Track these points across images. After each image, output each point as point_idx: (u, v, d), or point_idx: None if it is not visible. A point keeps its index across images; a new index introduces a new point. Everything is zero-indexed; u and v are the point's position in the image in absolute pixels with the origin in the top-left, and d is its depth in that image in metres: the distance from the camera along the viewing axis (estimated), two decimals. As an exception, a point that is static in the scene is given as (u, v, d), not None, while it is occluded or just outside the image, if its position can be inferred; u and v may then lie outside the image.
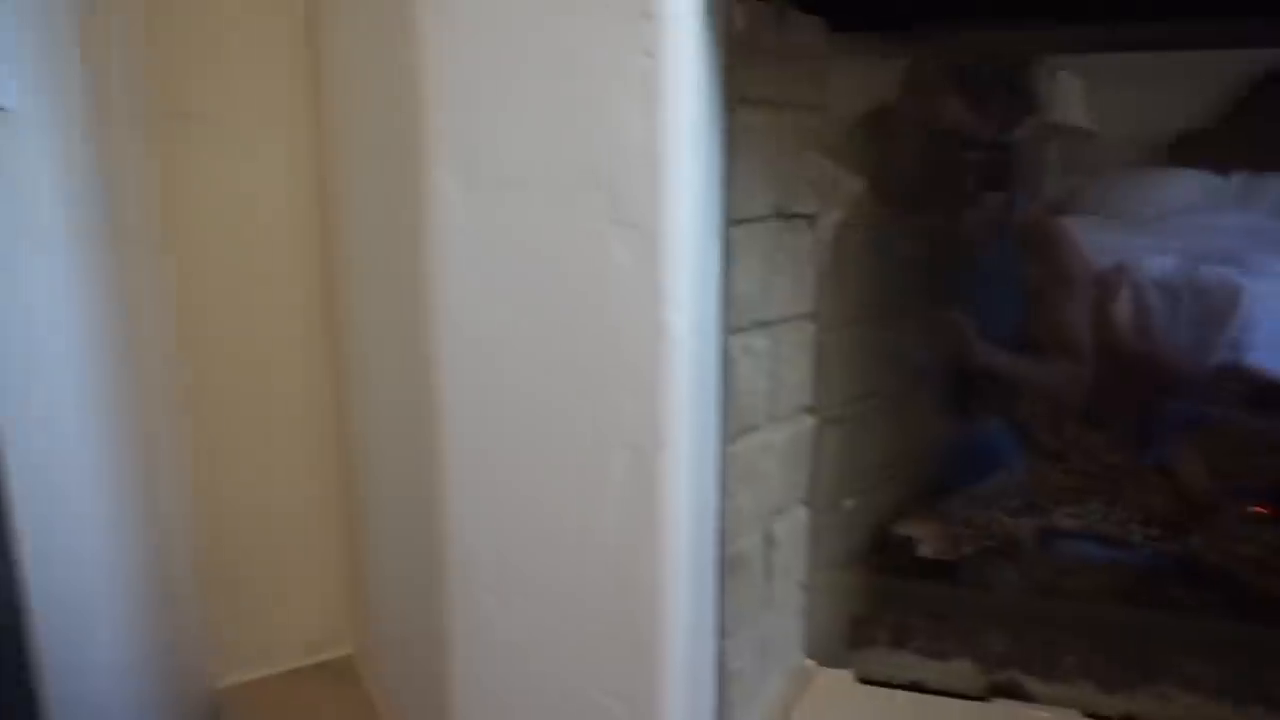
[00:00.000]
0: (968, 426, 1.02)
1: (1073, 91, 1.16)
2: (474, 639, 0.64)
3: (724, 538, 0.68)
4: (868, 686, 0.81)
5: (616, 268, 0.53)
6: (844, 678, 0.82)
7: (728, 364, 0.65)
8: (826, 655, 0.84)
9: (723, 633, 0.70)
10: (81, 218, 0.85)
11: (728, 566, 0.69)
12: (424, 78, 0.56)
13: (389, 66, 0.63)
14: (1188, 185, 1.44)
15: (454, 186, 0.56)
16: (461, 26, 0.54)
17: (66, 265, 0.85)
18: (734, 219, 0.62)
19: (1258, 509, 0.92)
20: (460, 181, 0.56)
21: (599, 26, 0.51)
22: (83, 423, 0.89)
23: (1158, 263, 1.17)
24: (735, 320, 0.65)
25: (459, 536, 0.63)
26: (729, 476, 0.67)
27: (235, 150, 0.91)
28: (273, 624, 1.03)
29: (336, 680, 1.03)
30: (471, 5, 0.54)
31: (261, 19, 0.89)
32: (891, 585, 0.90)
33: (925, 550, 0.90)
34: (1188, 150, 1.41)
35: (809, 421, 0.78)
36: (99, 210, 0.86)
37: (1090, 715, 0.75)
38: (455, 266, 0.58)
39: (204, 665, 1.00)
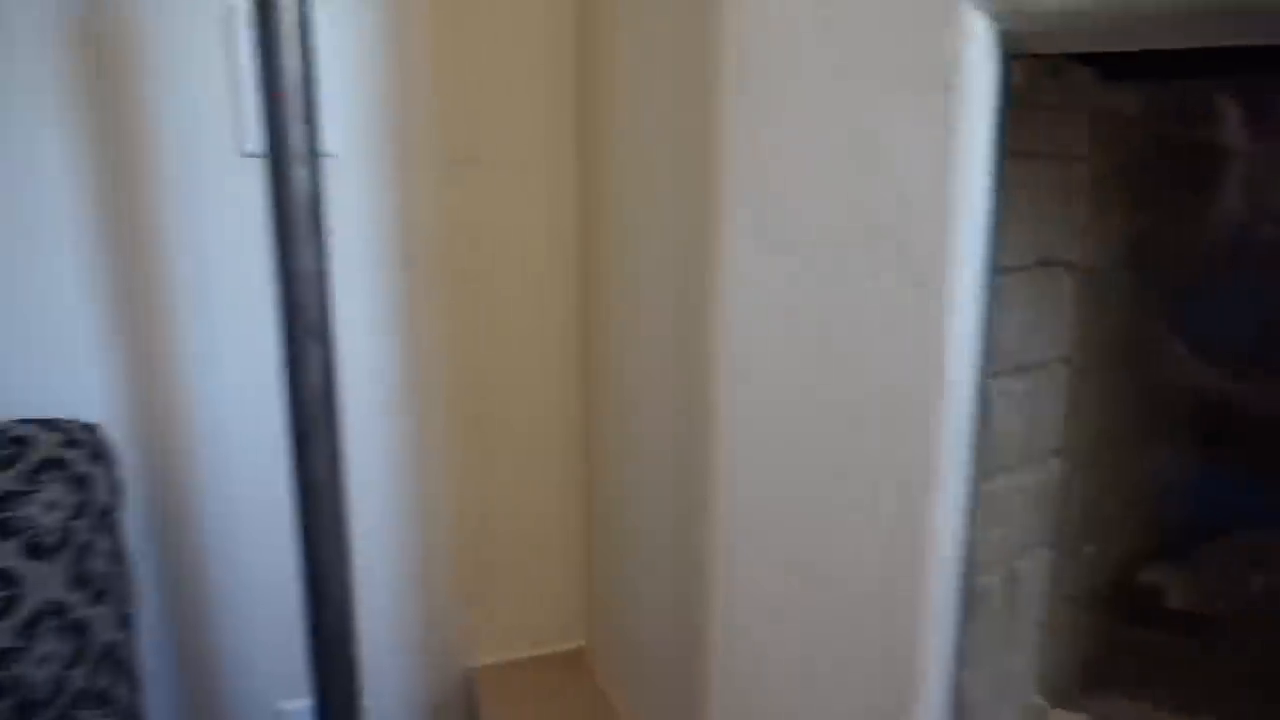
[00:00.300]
0: (1219, 472, 0.98)
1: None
2: (734, 652, 0.70)
3: (970, 573, 0.70)
4: (1104, 732, 0.80)
5: (899, 319, 0.57)
6: (1078, 720, 0.82)
7: (986, 406, 0.67)
8: (1061, 696, 0.84)
9: (963, 664, 0.72)
10: (385, 248, 0.99)
11: (972, 601, 0.71)
12: (720, 146, 0.62)
13: (680, 130, 0.70)
14: None
15: (745, 244, 0.62)
16: (762, 103, 0.60)
17: (372, 288, 0.99)
18: (1003, 268, 0.65)
19: None
20: (751, 239, 0.62)
21: (898, 100, 0.55)
22: (376, 421, 1.02)
23: None
24: (996, 364, 0.67)
25: (727, 555, 0.69)
26: (980, 514, 0.69)
27: (507, 190, 1.02)
28: (515, 613, 1.14)
29: (570, 670, 1.12)
30: (773, 85, 0.59)
31: (537, 74, 1.00)
32: (1131, 632, 0.88)
33: (1173, 600, 0.87)
34: None
35: (1057, 463, 0.79)
36: (398, 241, 0.99)
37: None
38: (742, 314, 0.64)
39: (459, 646, 1.12)
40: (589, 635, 1.15)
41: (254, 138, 0.90)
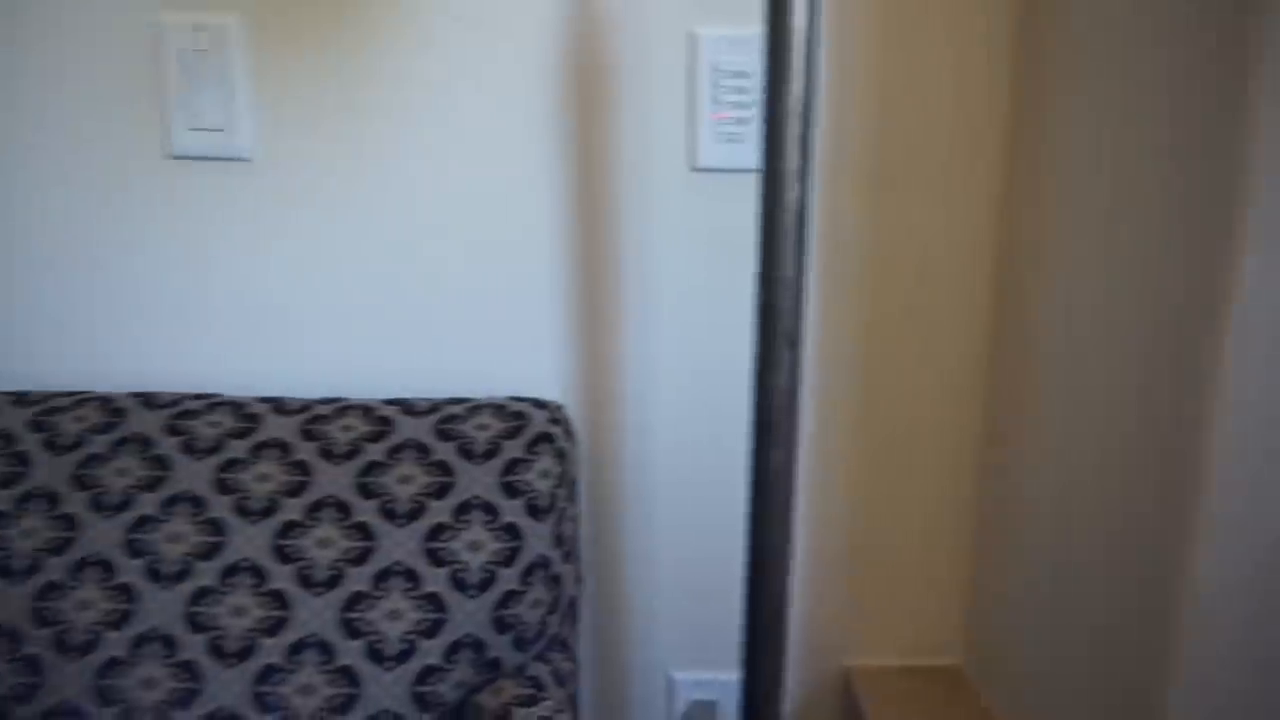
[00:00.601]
0: None
1: None
2: (1198, 701, 0.66)
3: None
4: None
5: None
6: None
7: None
8: None
9: None
10: (810, 260, 1.03)
11: None
12: (1249, 164, 0.59)
13: (1179, 148, 0.67)
14: None
15: (1259, 263, 0.59)
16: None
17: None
18: None
19: None
20: (1270, 256, 0.59)
21: None
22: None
23: None
24: None
25: (1203, 594, 0.66)
26: None
27: (926, 203, 1.03)
28: (891, 621, 1.15)
29: (948, 685, 1.11)
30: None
31: (969, 86, 0.99)
32: None
33: None
34: None
35: None
36: (821, 254, 1.03)
37: None
38: (1253, 336, 0.60)
39: (836, 643, 1.15)
40: (969, 653, 1.13)
41: (704, 153, 0.99)
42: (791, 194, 0.73)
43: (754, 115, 0.98)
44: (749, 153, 0.99)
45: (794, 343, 0.77)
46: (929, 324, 1.07)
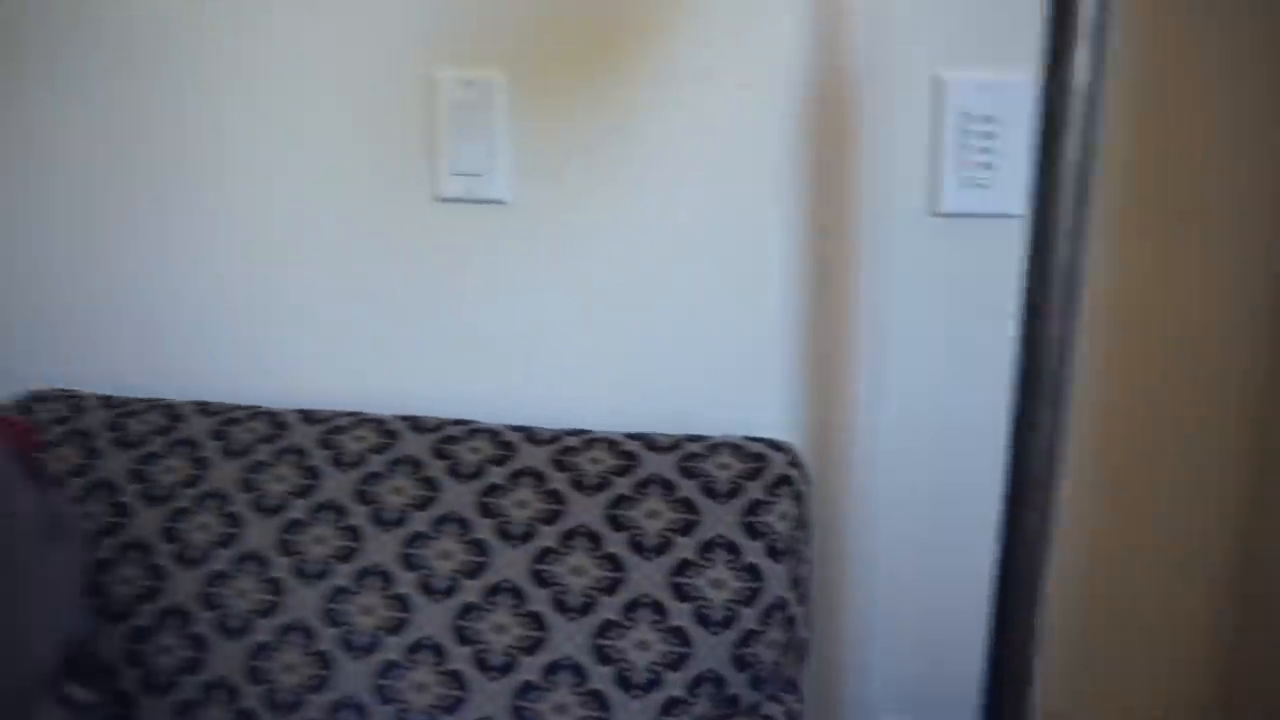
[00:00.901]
0: None
1: None
2: None
3: None
4: None
5: None
6: None
7: None
8: None
9: None
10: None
11: None
12: None
13: None
14: None
15: None
16: None
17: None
18: None
19: None
20: None
21: None
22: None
23: None
24: None
25: None
26: None
27: (1195, 240, 0.97)
28: (1129, 686, 1.09)
29: (1195, 763, 1.04)
30: None
31: (1244, 138, 0.93)
32: None
33: None
34: None
35: None
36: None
37: None
38: None
39: (1069, 703, 1.10)
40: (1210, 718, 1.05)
41: (948, 199, 0.97)
42: (1062, 253, 0.71)
43: (1002, 161, 0.96)
44: (994, 198, 0.97)
45: (1058, 404, 0.75)
46: (1190, 379, 1.00)
